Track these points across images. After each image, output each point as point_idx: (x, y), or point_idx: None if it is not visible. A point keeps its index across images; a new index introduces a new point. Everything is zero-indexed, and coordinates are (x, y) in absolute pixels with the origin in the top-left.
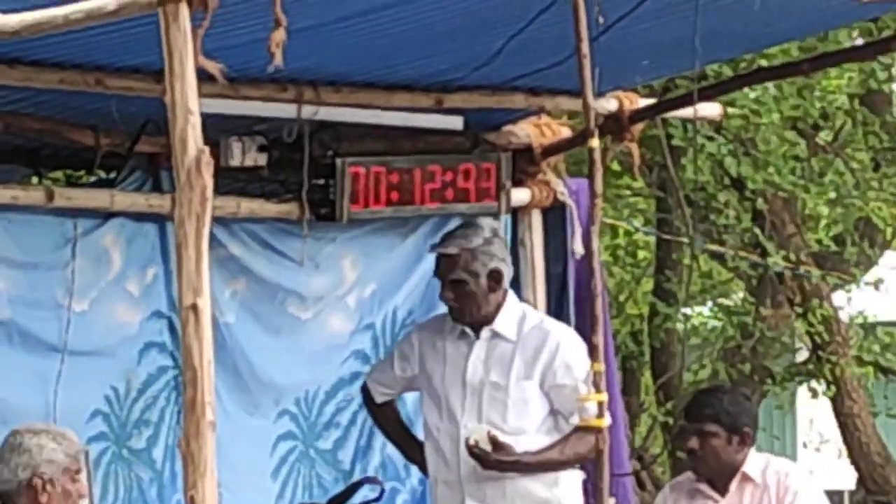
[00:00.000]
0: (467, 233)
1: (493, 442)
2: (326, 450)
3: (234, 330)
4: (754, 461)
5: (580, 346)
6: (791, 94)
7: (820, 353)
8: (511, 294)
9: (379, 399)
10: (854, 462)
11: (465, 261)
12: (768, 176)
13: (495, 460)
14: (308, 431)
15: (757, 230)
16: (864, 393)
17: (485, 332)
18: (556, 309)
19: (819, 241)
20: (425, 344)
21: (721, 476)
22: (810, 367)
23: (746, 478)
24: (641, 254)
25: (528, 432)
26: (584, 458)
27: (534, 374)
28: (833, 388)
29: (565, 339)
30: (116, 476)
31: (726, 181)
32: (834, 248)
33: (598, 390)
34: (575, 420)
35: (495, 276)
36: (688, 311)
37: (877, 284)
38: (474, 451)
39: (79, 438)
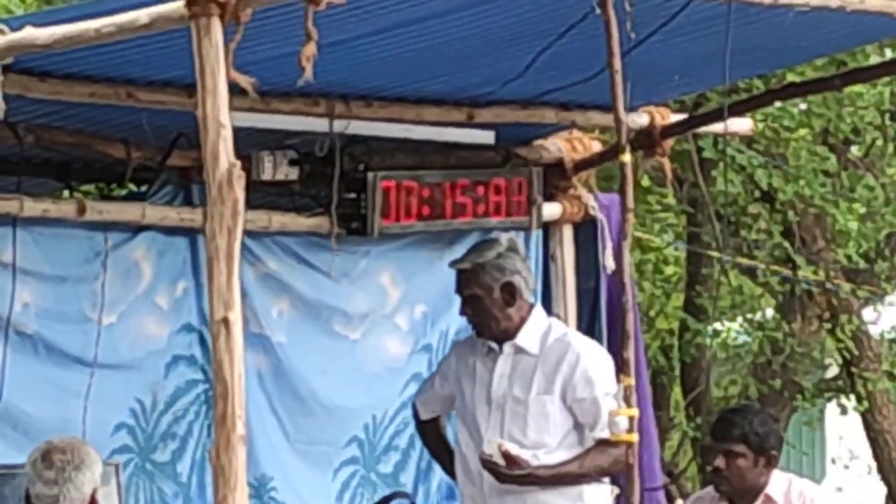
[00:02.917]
0: (482, 248)
1: (505, 455)
2: (387, 473)
3: (288, 350)
4: (777, 482)
5: (602, 360)
6: (817, 104)
7: (851, 368)
8: (538, 308)
9: (424, 416)
10: (884, 478)
11: (477, 275)
12: (799, 188)
13: (507, 473)
14: (369, 455)
15: (787, 245)
16: (894, 409)
17: (507, 347)
18: (588, 324)
19: (849, 258)
20: (460, 361)
21: (744, 496)
22: (840, 382)
23: (769, 500)
24: (672, 269)
25: (550, 446)
26: (605, 472)
27: (554, 387)
28: (864, 403)
29: (586, 353)
30: (137, 489)
31: (757, 194)
32: (864, 263)
33: (628, 405)
34: (597, 433)
35: (509, 289)
36: (718, 326)
37: None
38: (488, 465)
39: (103, 451)
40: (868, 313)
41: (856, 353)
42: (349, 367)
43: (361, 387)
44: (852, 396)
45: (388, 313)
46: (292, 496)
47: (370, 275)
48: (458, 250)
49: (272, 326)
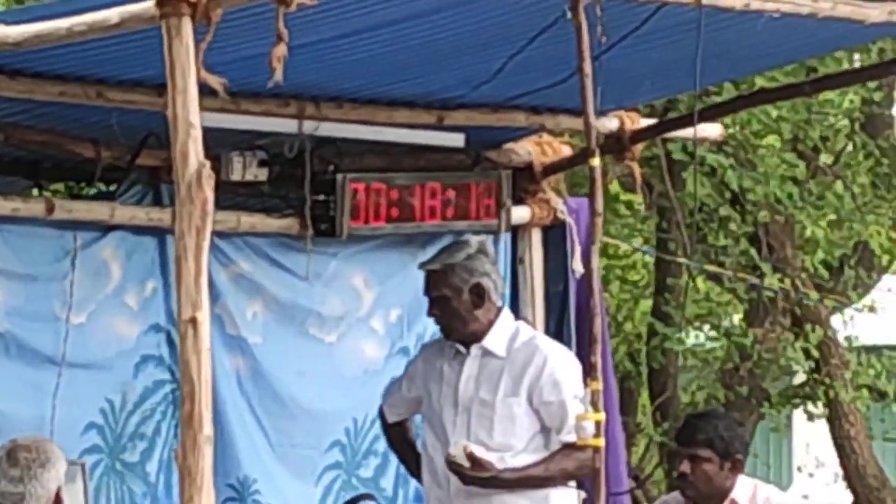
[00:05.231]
0: (451, 249)
1: (470, 457)
2: (368, 478)
3: (264, 352)
4: (743, 487)
5: (569, 363)
6: (787, 108)
7: (817, 376)
8: (506, 311)
9: (391, 419)
10: (850, 485)
11: (446, 277)
12: (769, 190)
13: (471, 475)
14: (351, 460)
15: (754, 252)
16: (861, 416)
17: (475, 349)
18: (556, 328)
19: (814, 266)
20: (427, 364)
21: (710, 501)
22: (807, 389)
23: None
24: (640, 274)
25: (516, 449)
26: (571, 476)
27: (521, 390)
28: (829, 410)
29: (553, 356)
30: (108, 489)
31: (727, 195)
32: (830, 272)
33: (595, 409)
34: (563, 437)
35: (477, 291)
36: (684, 334)
37: (872, 308)
38: (453, 466)
39: (73, 451)
40: (835, 321)
41: (822, 361)
42: (327, 370)
43: (340, 390)
44: (819, 403)
45: (362, 316)
46: (276, 499)
47: (342, 277)
48: (431, 253)
49: (248, 328)
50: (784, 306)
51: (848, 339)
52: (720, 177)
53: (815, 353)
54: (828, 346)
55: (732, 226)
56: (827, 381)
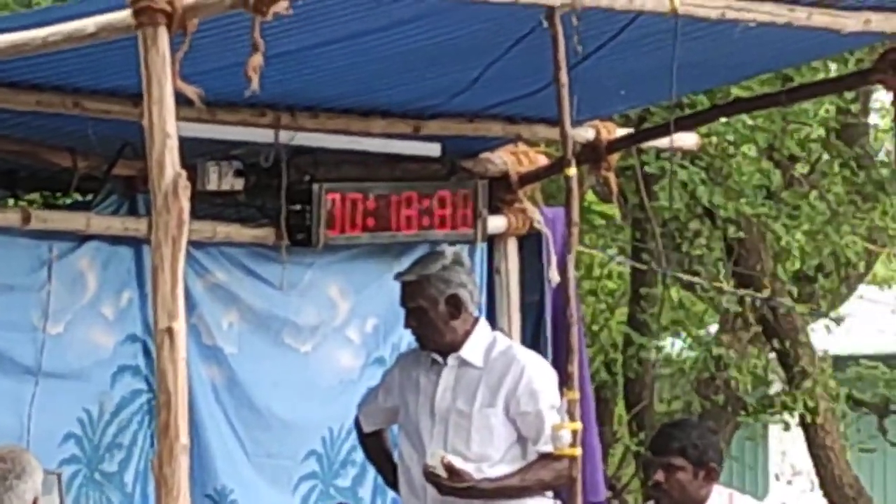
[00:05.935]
0: (427, 260)
1: (448, 468)
2: (346, 487)
3: (240, 362)
4: (718, 496)
5: (546, 374)
6: (762, 118)
7: (793, 385)
8: (482, 321)
9: (367, 429)
10: (826, 494)
11: (422, 288)
12: (740, 206)
13: (448, 486)
14: (328, 470)
15: (725, 263)
16: (837, 425)
17: (451, 360)
18: (532, 337)
19: (788, 276)
20: (403, 374)
21: None
22: (783, 399)
23: None
24: (615, 284)
25: (493, 459)
26: (548, 486)
27: (497, 400)
28: (804, 419)
29: (530, 366)
30: (87, 499)
31: (698, 210)
32: (804, 281)
33: (572, 419)
34: (540, 447)
35: (454, 302)
36: (663, 341)
37: (839, 319)
38: (430, 477)
39: (51, 461)
40: (816, 335)
41: (796, 371)
42: (302, 380)
43: (316, 400)
44: (795, 413)
45: (338, 326)
46: None
47: (317, 287)
48: (407, 263)
49: (223, 338)
50: (757, 316)
51: (824, 350)
52: (691, 193)
53: (788, 363)
54: (801, 356)
55: (702, 240)
56: (797, 391)
